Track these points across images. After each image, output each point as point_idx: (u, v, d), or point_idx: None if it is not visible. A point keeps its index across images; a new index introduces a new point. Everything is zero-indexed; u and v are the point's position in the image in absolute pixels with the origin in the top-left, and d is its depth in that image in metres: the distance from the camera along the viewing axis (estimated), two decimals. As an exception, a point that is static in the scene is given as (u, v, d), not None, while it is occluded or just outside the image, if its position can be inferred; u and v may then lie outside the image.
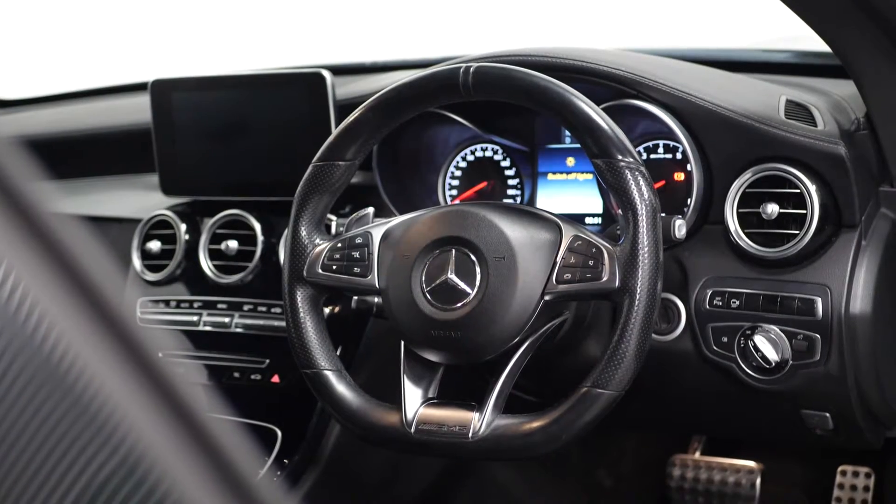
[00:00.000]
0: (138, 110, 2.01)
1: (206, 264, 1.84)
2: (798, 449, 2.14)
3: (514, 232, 1.30)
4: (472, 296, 1.30)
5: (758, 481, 2.12)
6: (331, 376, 1.38)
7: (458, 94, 1.34)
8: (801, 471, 2.15)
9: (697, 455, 2.20)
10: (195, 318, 1.83)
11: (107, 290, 0.44)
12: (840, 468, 2.09)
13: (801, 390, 1.42)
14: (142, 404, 0.44)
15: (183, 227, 1.87)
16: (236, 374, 1.77)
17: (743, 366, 1.43)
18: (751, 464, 2.13)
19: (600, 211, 1.65)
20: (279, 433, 1.68)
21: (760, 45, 2.02)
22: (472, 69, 1.31)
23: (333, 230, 1.47)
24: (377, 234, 1.39)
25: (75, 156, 2.26)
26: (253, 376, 1.75)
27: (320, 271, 1.38)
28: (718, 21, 2.40)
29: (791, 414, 1.48)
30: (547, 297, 1.28)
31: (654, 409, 1.63)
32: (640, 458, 2.30)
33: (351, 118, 1.39)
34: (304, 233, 1.40)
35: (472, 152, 1.75)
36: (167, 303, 1.87)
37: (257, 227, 1.81)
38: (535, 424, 1.27)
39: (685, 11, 2.51)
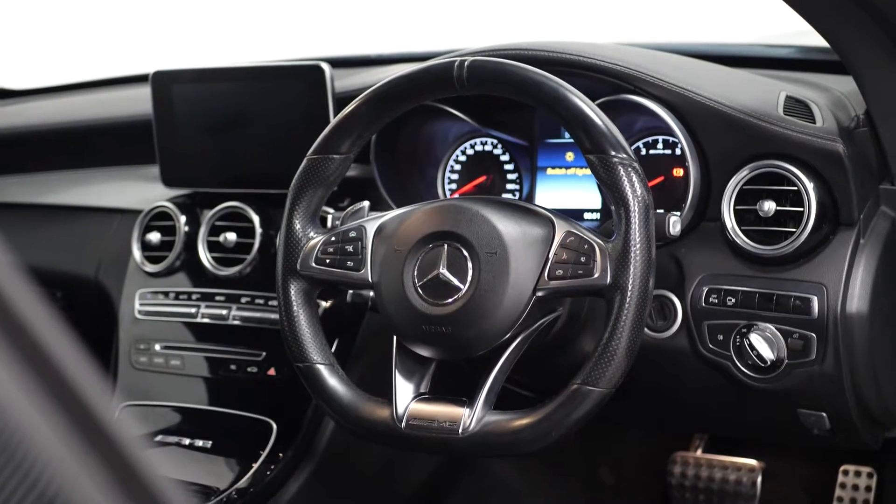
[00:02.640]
0: (141, 101, 2.01)
1: (204, 256, 1.84)
2: (800, 448, 2.13)
3: (507, 227, 1.30)
4: (463, 291, 1.29)
5: (759, 480, 2.11)
6: (323, 370, 1.37)
7: (453, 88, 1.33)
8: (802, 470, 2.14)
9: (699, 453, 2.18)
10: (193, 310, 1.83)
11: (26, 318, 0.43)
12: (842, 468, 2.07)
13: (796, 389, 1.41)
14: (62, 441, 0.43)
15: (183, 218, 1.87)
16: (233, 367, 1.76)
17: (738, 364, 1.42)
18: (752, 462, 2.12)
19: (599, 206, 1.64)
20: (274, 426, 1.68)
21: (765, 40, 2.00)
22: (466, 63, 1.30)
23: (329, 223, 1.46)
24: (371, 228, 1.38)
25: (78, 146, 2.26)
26: (249, 369, 1.75)
27: (314, 265, 1.38)
28: (725, 16, 2.38)
29: (787, 413, 1.47)
30: (539, 293, 1.27)
31: (650, 406, 1.62)
32: (642, 455, 2.29)
33: (345, 112, 1.38)
34: (298, 226, 1.39)
35: (472, 146, 1.74)
36: (166, 294, 1.87)
37: (256, 219, 1.81)
38: (525, 421, 1.26)
39: (691, 7, 2.49)
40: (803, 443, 1.87)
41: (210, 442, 1.70)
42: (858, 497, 2.05)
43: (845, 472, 2.07)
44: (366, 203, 1.44)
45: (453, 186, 1.75)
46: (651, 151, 1.58)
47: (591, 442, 2.25)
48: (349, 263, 1.37)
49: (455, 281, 1.29)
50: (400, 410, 1.32)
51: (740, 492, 2.12)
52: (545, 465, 2.18)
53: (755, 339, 1.39)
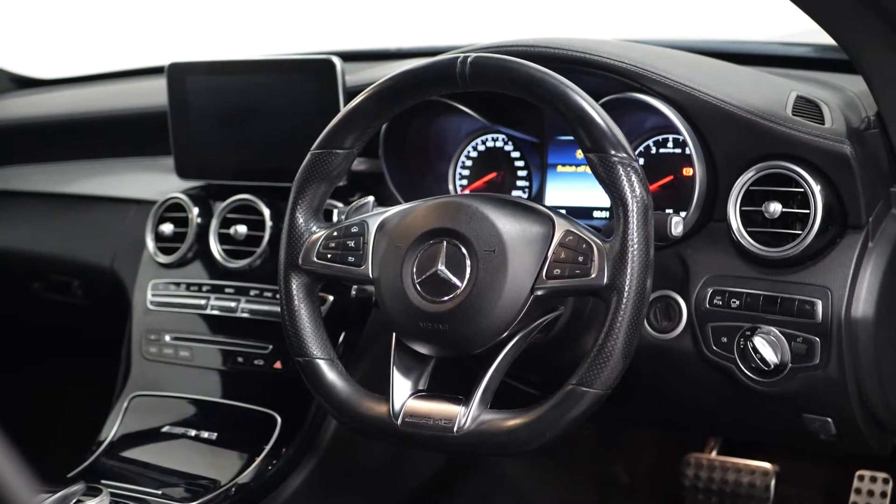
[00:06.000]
0: (159, 93, 2.02)
1: (215, 248, 1.84)
2: (815, 452, 2.10)
3: (506, 225, 1.29)
4: (461, 288, 1.28)
5: (772, 483, 2.09)
6: (322, 365, 1.37)
7: (456, 84, 1.32)
8: (817, 474, 2.11)
9: (713, 455, 2.16)
10: (203, 302, 1.83)
11: None
12: (858, 473, 2.04)
13: (800, 394, 1.39)
14: None
15: (195, 210, 1.88)
16: (240, 359, 1.77)
17: (742, 367, 1.40)
18: (766, 465, 2.10)
19: (608, 204, 1.62)
20: (279, 420, 1.68)
21: (783, 38, 1.97)
22: (469, 59, 1.29)
23: (335, 218, 1.46)
24: (373, 224, 1.38)
25: (98, 137, 2.28)
26: (256, 361, 1.75)
27: (315, 259, 1.38)
28: (745, 14, 2.36)
29: (793, 417, 1.45)
30: (537, 292, 1.26)
31: (655, 407, 1.61)
32: (656, 455, 2.27)
33: (349, 107, 1.37)
34: (301, 220, 1.39)
35: (483, 142, 1.73)
36: (177, 285, 1.88)
37: (266, 212, 1.81)
38: (520, 421, 1.25)
39: (713, 4, 2.47)
40: (811, 447, 1.85)
41: (215, 434, 1.70)
42: (874, 503, 2.02)
43: (861, 478, 2.04)
44: (370, 198, 1.44)
45: (464, 182, 1.75)
46: (661, 150, 1.56)
47: (604, 441, 2.24)
48: (350, 259, 1.36)
49: (453, 278, 1.29)
50: (397, 407, 1.31)
51: (753, 495, 2.10)
52: (555, 463, 2.17)
53: (759, 342, 1.37)
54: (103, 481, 1.58)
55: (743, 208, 1.40)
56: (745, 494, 2.10)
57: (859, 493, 2.04)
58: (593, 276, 1.22)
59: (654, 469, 2.27)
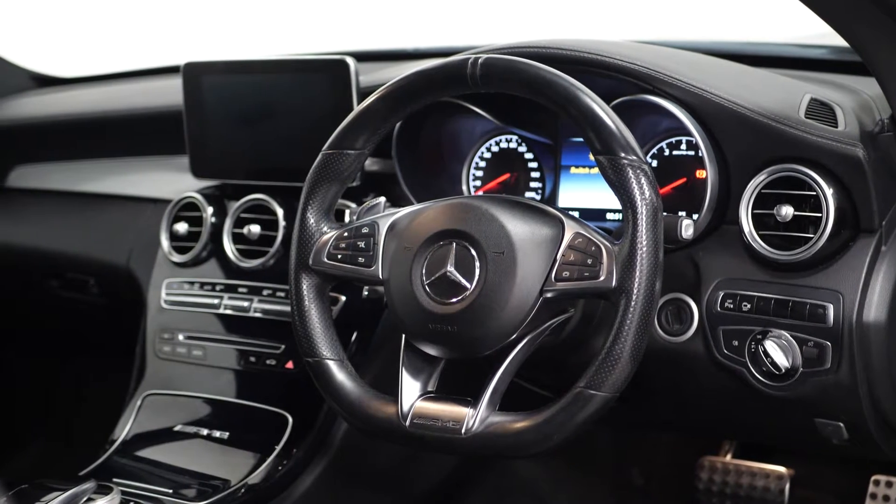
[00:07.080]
0: (177, 92, 2.02)
1: (229, 248, 1.85)
2: (831, 456, 2.09)
3: (516, 227, 1.28)
4: (470, 290, 1.28)
5: (786, 487, 2.07)
6: (332, 365, 1.37)
7: (466, 86, 1.32)
8: (832, 478, 2.10)
9: (728, 458, 2.15)
10: (216, 301, 1.84)
11: None
12: (873, 478, 2.02)
13: (812, 398, 1.38)
14: None
15: (210, 209, 1.89)
16: (252, 359, 1.77)
17: (753, 371, 1.39)
18: (780, 469, 2.09)
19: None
20: (290, 419, 1.68)
21: (799, 39, 1.96)
22: (480, 60, 1.29)
23: (347, 218, 1.46)
24: (384, 225, 1.38)
25: (116, 135, 2.29)
26: (268, 361, 1.76)
27: (326, 260, 1.38)
28: (763, 15, 2.35)
29: (805, 422, 1.44)
30: (546, 294, 1.26)
31: (668, 410, 1.60)
32: (672, 458, 2.26)
33: (360, 108, 1.38)
34: (311, 221, 1.39)
35: (497, 143, 1.73)
36: (191, 284, 1.88)
37: (280, 212, 1.81)
38: (527, 423, 1.24)
39: (724, 6, 2.46)
40: (824, 451, 1.84)
41: (227, 433, 1.71)
42: (889, 508, 2.01)
43: (876, 483, 2.02)
44: (382, 199, 1.44)
45: (478, 183, 1.75)
46: (674, 152, 1.56)
47: (619, 444, 2.23)
48: (360, 259, 1.36)
49: (462, 280, 1.29)
50: (405, 408, 1.31)
51: (768, 499, 2.09)
52: (570, 465, 2.17)
53: (770, 345, 1.36)
54: (115, 479, 1.59)
55: (755, 211, 1.39)
56: (759, 498, 2.09)
57: (874, 497, 2.02)
58: (602, 278, 1.22)
59: (669, 472, 2.26)
